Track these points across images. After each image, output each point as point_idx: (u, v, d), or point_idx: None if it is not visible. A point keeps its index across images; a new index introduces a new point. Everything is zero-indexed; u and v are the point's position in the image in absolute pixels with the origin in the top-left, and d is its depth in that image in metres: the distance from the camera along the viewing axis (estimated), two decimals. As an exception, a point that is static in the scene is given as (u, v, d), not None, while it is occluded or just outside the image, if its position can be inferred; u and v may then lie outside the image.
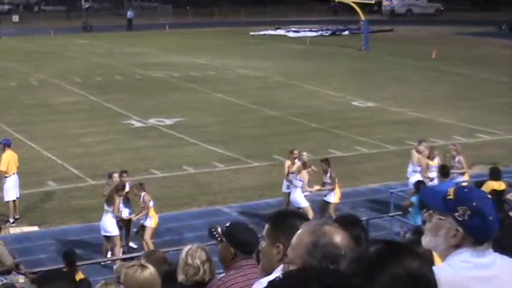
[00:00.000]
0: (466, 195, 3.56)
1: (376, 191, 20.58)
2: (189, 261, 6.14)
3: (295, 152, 18.18)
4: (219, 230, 5.57)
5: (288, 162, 18.17)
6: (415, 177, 17.94)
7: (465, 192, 3.59)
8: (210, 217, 18.18)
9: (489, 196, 3.62)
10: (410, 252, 2.89)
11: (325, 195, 17.70)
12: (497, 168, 16.70)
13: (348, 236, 3.32)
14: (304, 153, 18.22)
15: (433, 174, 18.10)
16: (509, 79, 38.95)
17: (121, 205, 15.93)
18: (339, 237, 3.26)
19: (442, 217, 3.57)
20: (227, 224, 5.65)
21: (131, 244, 16.61)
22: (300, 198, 17.21)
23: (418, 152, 18.62)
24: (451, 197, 3.55)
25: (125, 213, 16.13)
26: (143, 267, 5.61)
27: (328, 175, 17.57)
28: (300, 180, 17.25)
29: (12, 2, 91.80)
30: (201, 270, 6.09)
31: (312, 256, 3.21)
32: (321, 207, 17.44)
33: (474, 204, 3.49)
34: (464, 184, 17.48)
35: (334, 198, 17.54)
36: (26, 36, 62.47)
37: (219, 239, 5.52)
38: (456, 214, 3.51)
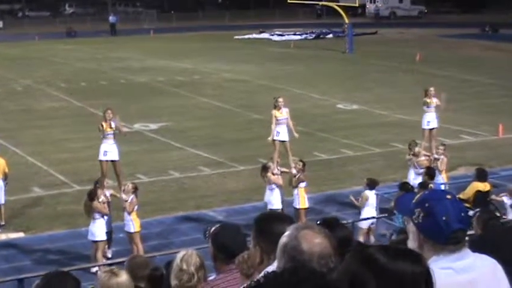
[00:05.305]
0: (423, 197, 3.55)
1: (361, 193, 20.53)
2: (184, 267, 6.00)
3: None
4: (212, 229, 5.56)
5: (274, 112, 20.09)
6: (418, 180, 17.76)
7: (424, 194, 3.59)
8: (196, 221, 18.18)
9: (449, 197, 3.54)
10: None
11: None
12: (483, 170, 16.79)
13: (325, 244, 3.33)
14: (280, 99, 19.98)
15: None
16: (493, 80, 39.17)
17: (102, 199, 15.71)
18: (310, 243, 3.29)
19: (409, 221, 3.58)
20: (217, 225, 5.66)
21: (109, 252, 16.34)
22: (271, 199, 17.16)
23: (415, 155, 18.57)
24: (414, 200, 3.56)
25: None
26: (114, 274, 5.70)
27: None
28: (268, 183, 17.30)
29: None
30: (195, 277, 5.97)
31: (282, 257, 3.32)
32: None
33: (427, 205, 3.47)
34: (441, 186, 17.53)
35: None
36: (10, 42, 62.28)
37: (207, 238, 5.53)
38: (413, 217, 3.52)
